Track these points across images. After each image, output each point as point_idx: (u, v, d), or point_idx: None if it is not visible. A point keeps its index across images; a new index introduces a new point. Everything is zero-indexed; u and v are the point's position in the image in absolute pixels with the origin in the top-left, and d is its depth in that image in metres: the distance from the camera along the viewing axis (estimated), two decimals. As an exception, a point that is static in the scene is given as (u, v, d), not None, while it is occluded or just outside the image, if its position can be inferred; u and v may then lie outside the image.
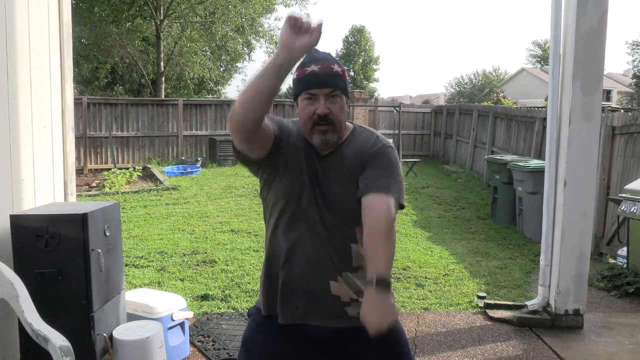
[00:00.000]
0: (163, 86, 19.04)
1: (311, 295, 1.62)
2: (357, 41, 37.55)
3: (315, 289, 1.62)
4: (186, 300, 3.71)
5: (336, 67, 1.60)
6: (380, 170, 1.59)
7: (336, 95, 1.58)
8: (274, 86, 1.42)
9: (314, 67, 1.58)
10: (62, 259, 2.67)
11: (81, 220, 2.67)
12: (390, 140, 1.73)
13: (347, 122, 1.70)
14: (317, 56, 1.60)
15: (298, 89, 1.61)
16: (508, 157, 7.73)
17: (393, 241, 1.51)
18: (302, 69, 1.61)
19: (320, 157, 1.64)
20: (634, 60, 40.76)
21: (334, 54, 1.75)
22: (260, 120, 1.47)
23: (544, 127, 7.63)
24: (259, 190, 1.77)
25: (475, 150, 12.01)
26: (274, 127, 1.61)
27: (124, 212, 7.74)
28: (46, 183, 3.23)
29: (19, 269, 2.59)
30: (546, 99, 5.14)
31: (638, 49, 39.41)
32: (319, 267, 1.61)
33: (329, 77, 1.57)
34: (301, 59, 1.57)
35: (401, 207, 1.61)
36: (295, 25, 1.36)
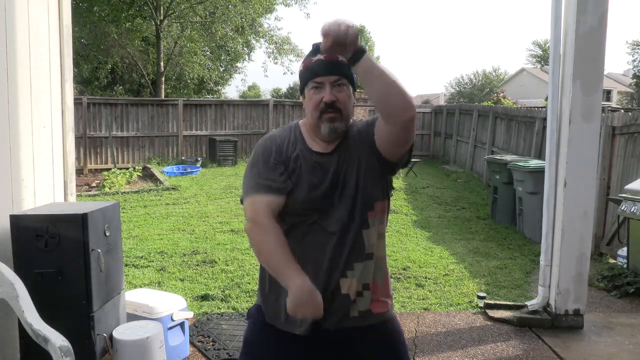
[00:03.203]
0: (163, 86, 19.04)
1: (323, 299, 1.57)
2: (357, 41, 37.55)
3: (325, 295, 1.57)
4: (186, 300, 3.71)
5: (342, 57, 1.58)
6: None
7: (343, 84, 1.58)
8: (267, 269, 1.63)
9: (320, 56, 1.58)
10: (62, 259, 2.67)
11: (81, 220, 2.67)
12: None
13: None
14: None
15: (305, 79, 1.61)
16: (508, 157, 7.73)
17: (404, 87, 1.47)
18: (308, 60, 1.61)
19: (328, 155, 1.62)
20: (634, 60, 40.78)
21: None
22: None
23: (544, 127, 7.63)
24: None
25: (475, 150, 12.01)
26: (280, 185, 1.59)
27: (124, 212, 7.74)
28: (46, 183, 3.23)
29: (19, 269, 2.59)
30: (546, 99, 5.14)
31: (638, 49, 39.41)
32: (329, 268, 1.58)
33: (335, 66, 1.57)
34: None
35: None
36: None
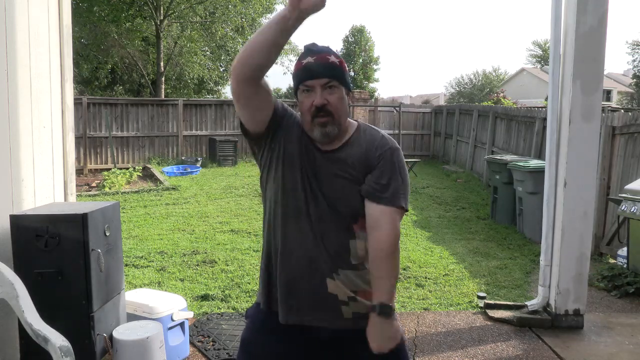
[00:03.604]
0: (163, 86, 19.04)
1: (307, 292, 1.61)
2: (357, 41, 37.52)
3: (311, 286, 1.60)
4: (186, 300, 3.71)
5: (332, 58, 1.59)
6: (386, 175, 1.59)
7: (333, 85, 1.57)
8: (276, 39, 1.42)
9: (309, 59, 1.57)
10: (62, 259, 2.67)
11: (81, 220, 2.67)
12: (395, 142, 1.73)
13: (351, 120, 1.69)
14: (313, 49, 1.59)
15: (295, 83, 1.61)
16: (508, 157, 7.73)
17: (397, 260, 1.59)
18: (298, 62, 1.61)
19: (323, 153, 1.62)
20: (634, 60, 40.77)
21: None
22: (259, 71, 1.46)
23: (544, 127, 7.63)
24: (259, 186, 1.77)
25: (475, 150, 12.01)
26: (277, 104, 1.62)
27: (124, 212, 7.74)
28: (46, 183, 3.23)
29: (19, 269, 2.59)
30: (546, 99, 5.14)
31: (638, 49, 39.40)
32: (315, 264, 1.59)
33: (325, 68, 1.56)
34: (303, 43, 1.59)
35: (405, 211, 1.63)
36: None
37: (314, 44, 1.61)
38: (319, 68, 1.56)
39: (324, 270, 1.59)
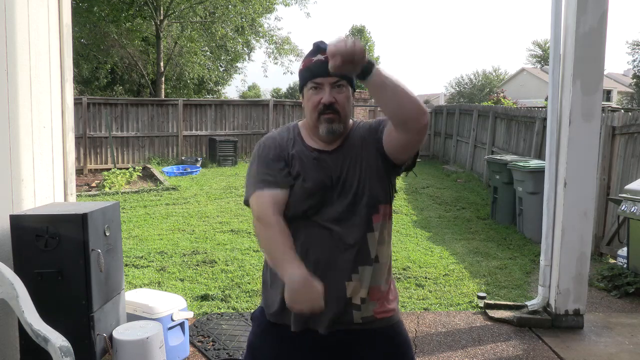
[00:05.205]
0: (163, 86, 19.05)
1: (325, 298, 1.56)
2: (357, 41, 37.54)
3: (329, 291, 1.55)
4: (186, 300, 3.71)
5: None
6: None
7: (342, 85, 1.57)
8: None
9: (320, 56, 1.57)
10: (62, 259, 2.67)
11: (81, 220, 2.67)
12: None
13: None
14: (323, 47, 1.58)
15: (304, 79, 1.60)
16: (508, 157, 7.73)
17: (413, 94, 1.44)
18: (308, 59, 1.60)
19: (329, 153, 1.62)
20: (634, 60, 40.83)
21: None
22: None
23: (544, 127, 7.62)
24: None
25: (475, 150, 12.01)
26: (282, 179, 1.60)
27: (124, 212, 7.74)
28: (46, 183, 3.23)
29: (18, 269, 2.59)
30: (546, 99, 5.14)
31: (638, 49, 39.42)
32: (334, 269, 1.57)
33: None
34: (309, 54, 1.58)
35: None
36: None
37: (323, 42, 1.60)
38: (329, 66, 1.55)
39: (343, 273, 1.57)
